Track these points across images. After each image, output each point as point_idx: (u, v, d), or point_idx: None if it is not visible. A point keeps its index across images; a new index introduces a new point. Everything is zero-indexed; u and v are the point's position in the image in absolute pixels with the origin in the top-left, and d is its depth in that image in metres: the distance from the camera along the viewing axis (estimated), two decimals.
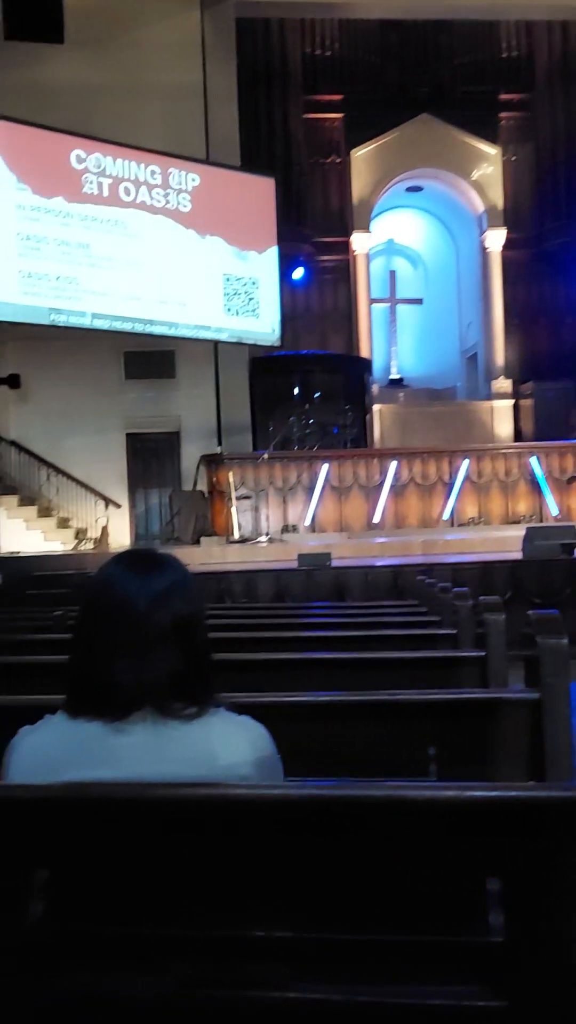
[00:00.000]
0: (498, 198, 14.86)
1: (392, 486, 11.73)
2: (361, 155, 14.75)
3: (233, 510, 11.01)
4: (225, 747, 1.24)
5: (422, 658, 2.76)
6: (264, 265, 11.85)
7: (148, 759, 1.20)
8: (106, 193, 10.43)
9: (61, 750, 1.24)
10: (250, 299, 11.71)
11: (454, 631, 3.44)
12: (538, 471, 11.77)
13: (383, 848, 1.09)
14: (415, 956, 1.11)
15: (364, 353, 14.77)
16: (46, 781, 1.21)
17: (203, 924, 1.12)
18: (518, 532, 9.13)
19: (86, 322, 10.31)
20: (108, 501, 12.22)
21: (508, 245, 14.85)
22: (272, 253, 11.91)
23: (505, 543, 9.52)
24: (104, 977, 1.14)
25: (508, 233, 14.81)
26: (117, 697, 1.23)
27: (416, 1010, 1.11)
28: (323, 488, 11.59)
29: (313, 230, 14.54)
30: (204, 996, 1.14)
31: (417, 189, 15.72)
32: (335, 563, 8.64)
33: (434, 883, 1.10)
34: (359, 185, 14.77)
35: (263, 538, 10.87)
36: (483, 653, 2.54)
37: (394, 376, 16.32)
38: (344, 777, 1.67)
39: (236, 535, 10.88)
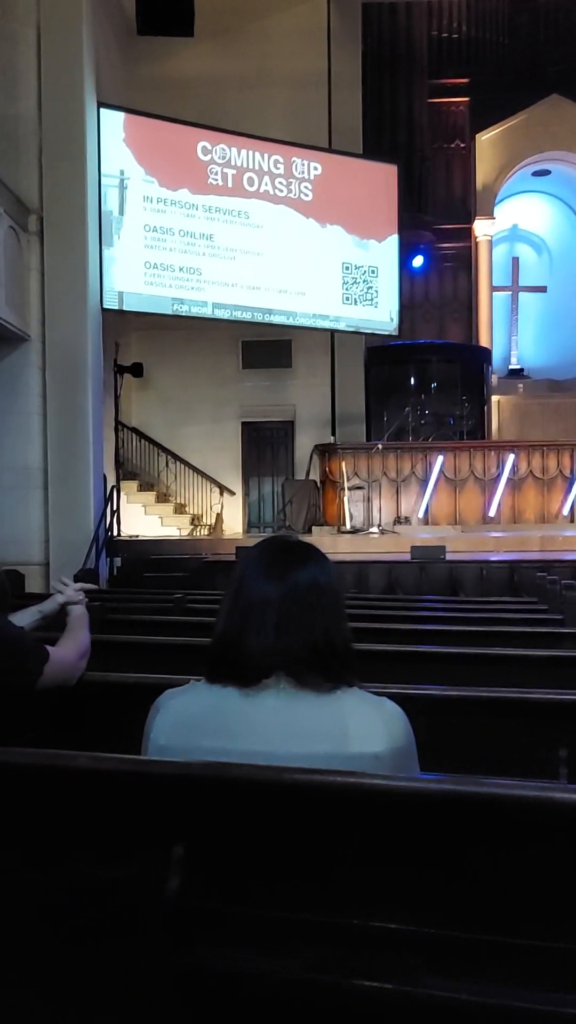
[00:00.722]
0: None
1: (509, 479, 11.43)
2: (487, 139, 14.38)
3: (345, 500, 10.99)
4: (359, 727, 1.24)
5: (548, 656, 2.67)
6: (384, 253, 11.72)
7: (281, 733, 1.22)
8: (230, 184, 10.56)
9: (200, 715, 1.28)
10: (368, 288, 11.62)
11: None
12: None
13: (525, 849, 1.06)
14: (553, 963, 1.08)
15: (484, 342, 14.44)
16: (184, 743, 1.25)
17: (335, 911, 1.12)
18: None
19: (207, 312, 10.48)
20: (223, 488, 12.44)
21: None
22: (392, 241, 11.77)
23: None
24: (235, 955, 1.16)
25: None
26: (249, 661, 1.26)
27: (548, 1017, 1.08)
28: (437, 480, 11.41)
29: (434, 217, 14.30)
30: (332, 982, 1.14)
31: (544, 173, 15.19)
32: (448, 557, 8.50)
33: None
34: (484, 170, 14.41)
35: (375, 529, 10.81)
36: None
37: (514, 366, 15.88)
38: (472, 774, 1.64)
39: (348, 525, 10.87)
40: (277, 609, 1.27)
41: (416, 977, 1.13)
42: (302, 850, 1.13)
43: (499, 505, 11.40)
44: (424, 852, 1.09)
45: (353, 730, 1.24)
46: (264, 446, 13.08)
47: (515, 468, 11.44)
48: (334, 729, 1.23)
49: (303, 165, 11.08)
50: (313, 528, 11.03)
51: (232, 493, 12.63)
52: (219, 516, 12.16)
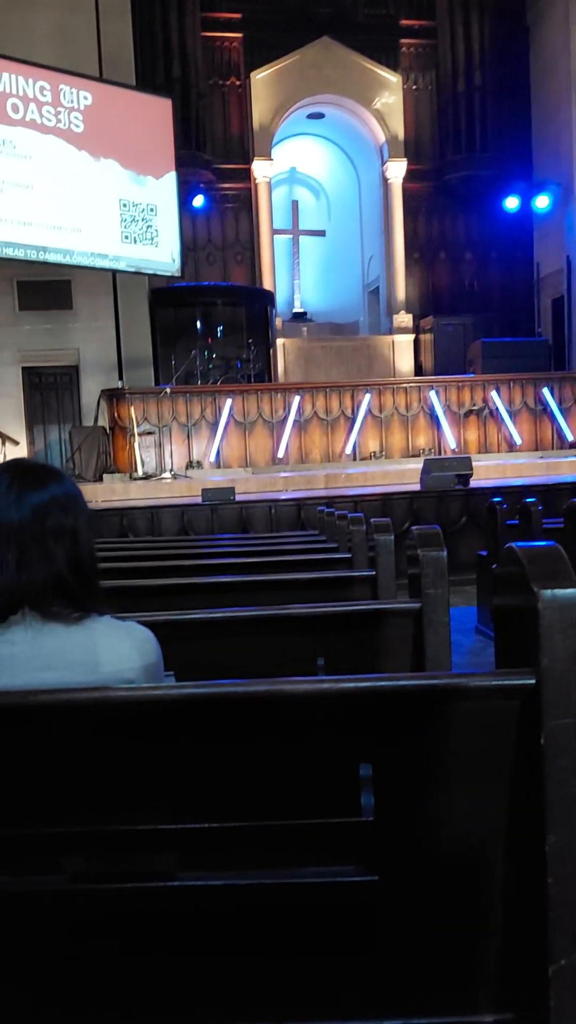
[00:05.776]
0: (399, 128, 14.69)
1: (296, 421, 11.75)
2: (261, 78, 14.29)
3: (136, 446, 10.84)
4: (109, 652, 1.26)
5: (317, 579, 2.83)
6: (162, 191, 11.46)
7: (32, 667, 1.22)
8: None
9: None
10: (148, 227, 11.33)
11: (349, 555, 3.55)
12: (437, 405, 12.01)
13: (263, 741, 1.14)
14: (294, 839, 1.18)
15: (267, 286, 14.58)
16: None
17: (92, 821, 1.15)
18: (418, 465, 9.35)
19: None
20: (5, 437, 11.82)
21: (409, 177, 14.76)
22: (170, 179, 11.52)
23: (405, 476, 9.75)
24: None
25: (409, 165, 14.68)
26: None
27: (295, 889, 1.18)
28: (227, 423, 11.52)
29: (213, 156, 14.10)
30: (94, 890, 1.19)
31: (319, 116, 15.39)
32: (239, 498, 8.67)
33: (311, 771, 1.17)
34: (259, 109, 14.34)
35: (167, 474, 10.78)
36: (373, 572, 2.63)
37: (298, 310, 16.22)
38: None
39: (139, 471, 10.75)
40: (16, 541, 1.25)
41: (172, 873, 1.19)
42: (54, 766, 1.15)
43: (287, 446, 11.72)
44: (170, 754, 1.15)
45: (104, 657, 1.26)
46: (48, 392, 12.55)
47: (300, 410, 11.78)
48: (86, 659, 1.25)
49: (72, 94, 10.50)
50: (104, 476, 10.82)
51: (16, 443, 12.02)
52: None
